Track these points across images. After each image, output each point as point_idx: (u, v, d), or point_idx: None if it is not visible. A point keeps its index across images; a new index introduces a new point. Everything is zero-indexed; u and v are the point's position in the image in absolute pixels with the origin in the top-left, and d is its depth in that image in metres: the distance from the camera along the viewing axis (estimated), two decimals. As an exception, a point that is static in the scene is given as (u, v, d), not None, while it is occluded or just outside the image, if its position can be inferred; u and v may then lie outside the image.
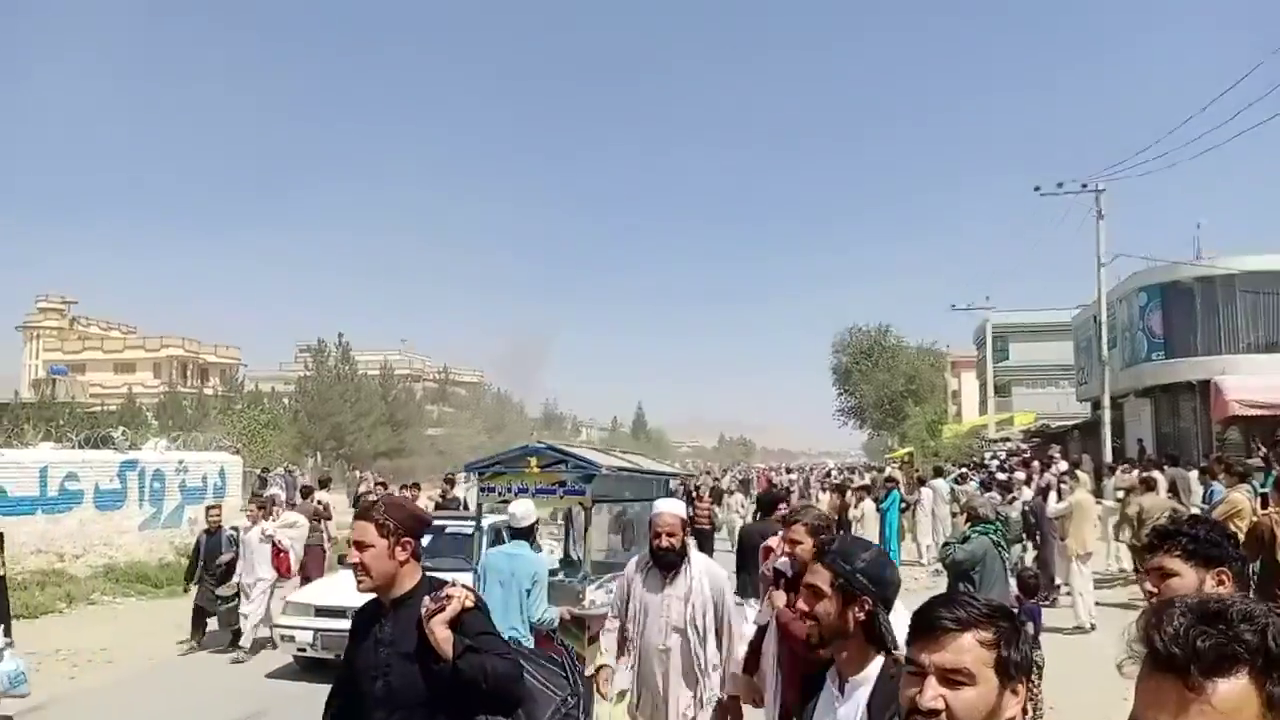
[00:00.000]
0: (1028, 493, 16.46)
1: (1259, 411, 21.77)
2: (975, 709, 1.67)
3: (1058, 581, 13.54)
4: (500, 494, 7.98)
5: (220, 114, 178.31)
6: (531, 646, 5.56)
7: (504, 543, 7.35)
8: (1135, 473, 16.74)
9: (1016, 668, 1.72)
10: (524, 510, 6.96)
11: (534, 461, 8.05)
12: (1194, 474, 15.85)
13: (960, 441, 43.14)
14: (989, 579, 7.30)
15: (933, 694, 1.67)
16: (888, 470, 30.61)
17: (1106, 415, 26.23)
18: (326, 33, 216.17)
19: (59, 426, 32.62)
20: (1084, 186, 25.99)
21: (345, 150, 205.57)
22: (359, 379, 59.22)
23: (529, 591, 6.60)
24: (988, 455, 34.94)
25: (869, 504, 17.29)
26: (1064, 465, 19.83)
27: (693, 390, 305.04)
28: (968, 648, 1.69)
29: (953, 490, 19.57)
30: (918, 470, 31.54)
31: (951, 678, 1.68)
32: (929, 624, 1.75)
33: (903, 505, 19.54)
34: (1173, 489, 15.10)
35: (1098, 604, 12.66)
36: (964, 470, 26.74)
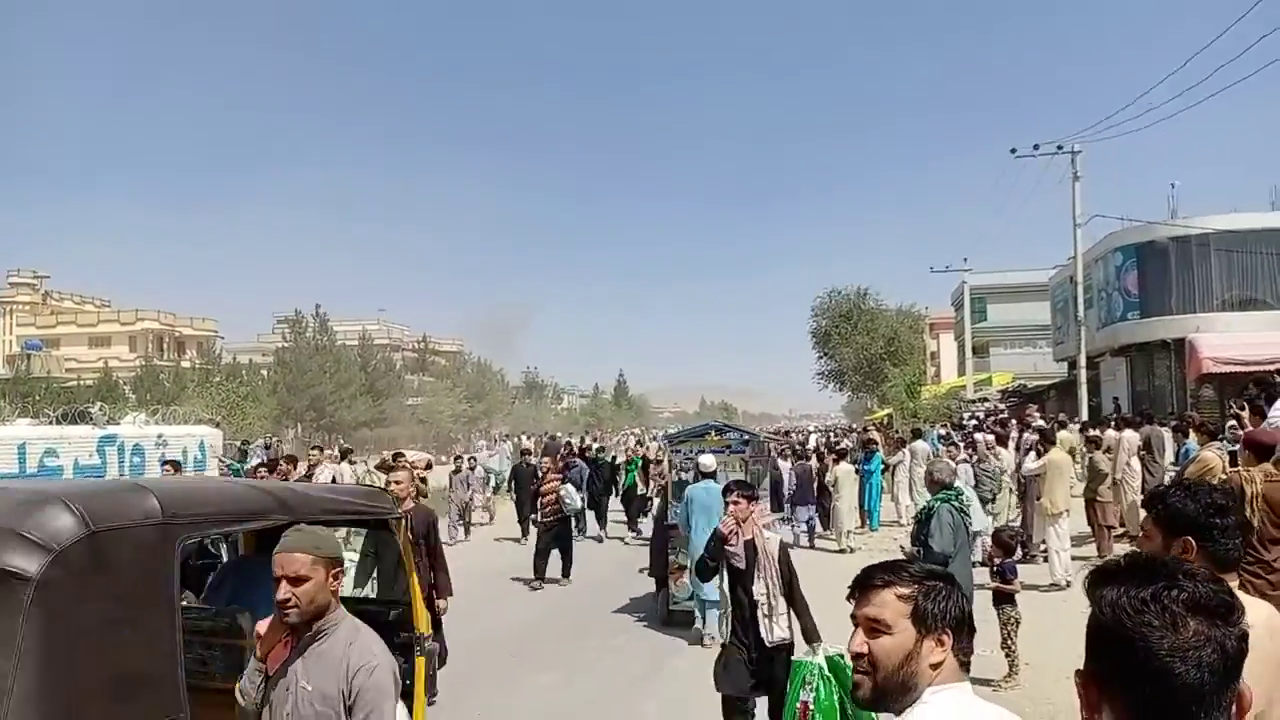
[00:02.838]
0: (1005, 454, 16.54)
1: (1233, 369, 22.01)
2: (890, 654, 1.98)
3: (1035, 539, 13.74)
4: (686, 455, 11.86)
5: (194, 91, 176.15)
6: None
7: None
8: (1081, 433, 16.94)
9: (935, 619, 2.00)
10: (709, 461, 10.58)
11: (713, 433, 12.45)
12: (1168, 431, 16.04)
13: (939, 402, 43.43)
14: (957, 549, 7.35)
15: (858, 640, 2.02)
16: (869, 432, 30.84)
17: (1083, 375, 26.47)
18: (301, 9, 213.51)
19: (35, 402, 32.38)
20: (1060, 148, 26.04)
21: (319, 125, 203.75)
22: (338, 350, 59.01)
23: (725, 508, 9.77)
24: (966, 416, 35.19)
25: (844, 466, 17.41)
26: (1042, 424, 19.96)
27: (674, 356, 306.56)
28: (886, 602, 2.01)
29: (935, 450, 19.74)
30: (897, 432, 31.76)
31: (874, 627, 2.01)
32: (862, 583, 2.09)
33: (883, 466, 19.72)
34: (1147, 447, 15.29)
35: (1074, 559, 12.86)
36: (945, 431, 26.97)
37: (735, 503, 6.21)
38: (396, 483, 7.71)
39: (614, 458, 24.12)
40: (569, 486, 14.17)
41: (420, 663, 5.00)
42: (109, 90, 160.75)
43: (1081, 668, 1.47)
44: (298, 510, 4.37)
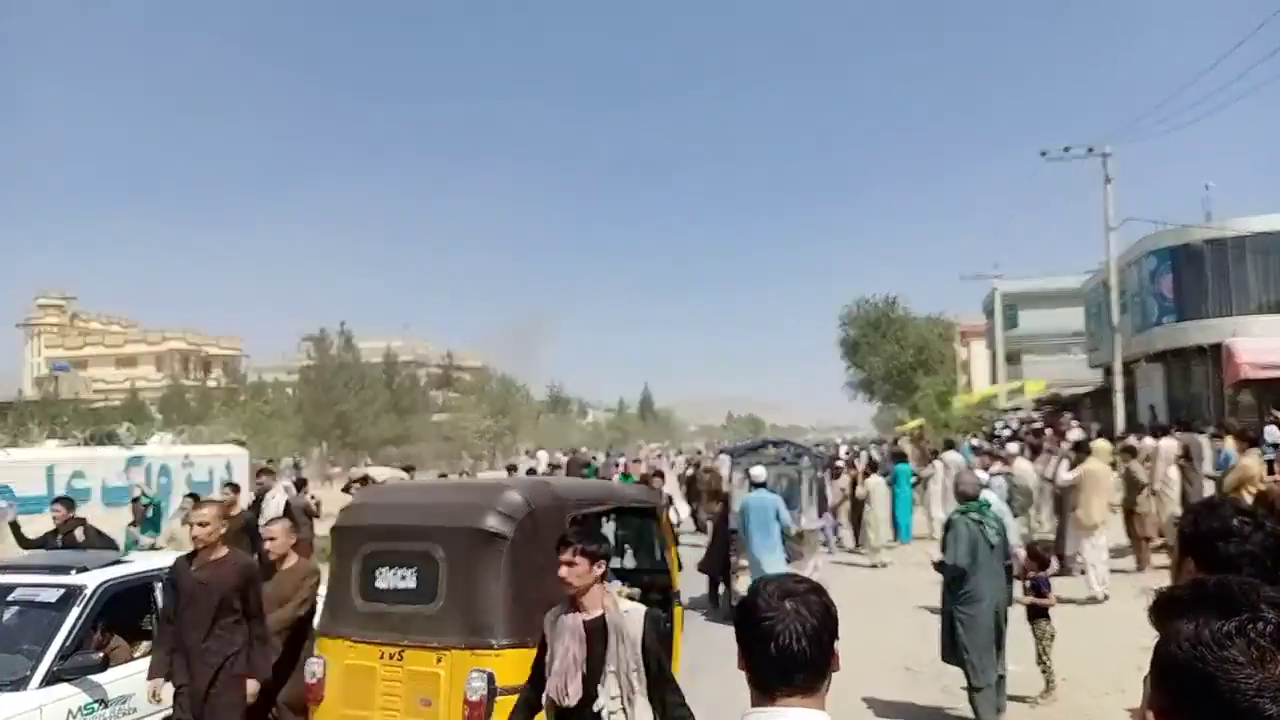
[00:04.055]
0: (1023, 464, 15.92)
1: (1271, 374, 21.52)
2: None
3: (1071, 552, 13.34)
4: (744, 466, 13.23)
5: (218, 110, 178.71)
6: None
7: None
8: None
9: None
10: (760, 472, 12.02)
11: (771, 447, 14.16)
12: (1206, 439, 15.64)
13: (971, 412, 42.93)
14: (978, 563, 7.29)
15: None
16: (898, 444, 30.44)
17: (1118, 381, 25.99)
18: (325, 31, 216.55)
19: (64, 423, 32.61)
20: (1090, 151, 25.63)
21: (344, 145, 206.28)
22: (362, 367, 59.23)
23: (777, 514, 11.41)
24: (999, 425, 34.68)
25: (875, 479, 17.07)
26: (1078, 434, 19.58)
27: (699, 369, 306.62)
28: None
29: (968, 461, 19.32)
30: (929, 442, 31.33)
31: None
32: None
33: (914, 479, 19.33)
34: (1185, 455, 14.87)
35: (1112, 572, 12.53)
36: (976, 442, 26.51)
37: (570, 563, 4.00)
38: (200, 524, 5.86)
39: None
40: None
41: (678, 610, 7.23)
42: (136, 112, 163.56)
43: (1150, 700, 1.37)
44: (618, 500, 7.21)
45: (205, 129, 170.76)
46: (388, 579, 5.60)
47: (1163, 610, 1.42)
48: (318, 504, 15.68)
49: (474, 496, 5.88)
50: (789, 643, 1.90)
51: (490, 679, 5.07)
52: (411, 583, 5.51)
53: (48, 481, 17.44)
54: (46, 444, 21.31)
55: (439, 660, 5.27)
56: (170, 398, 54.02)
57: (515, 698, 4.64)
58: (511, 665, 5.09)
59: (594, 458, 33.19)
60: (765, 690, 1.94)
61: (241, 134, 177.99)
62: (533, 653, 4.54)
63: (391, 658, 5.41)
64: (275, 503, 13.88)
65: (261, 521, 11.34)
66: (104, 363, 74.38)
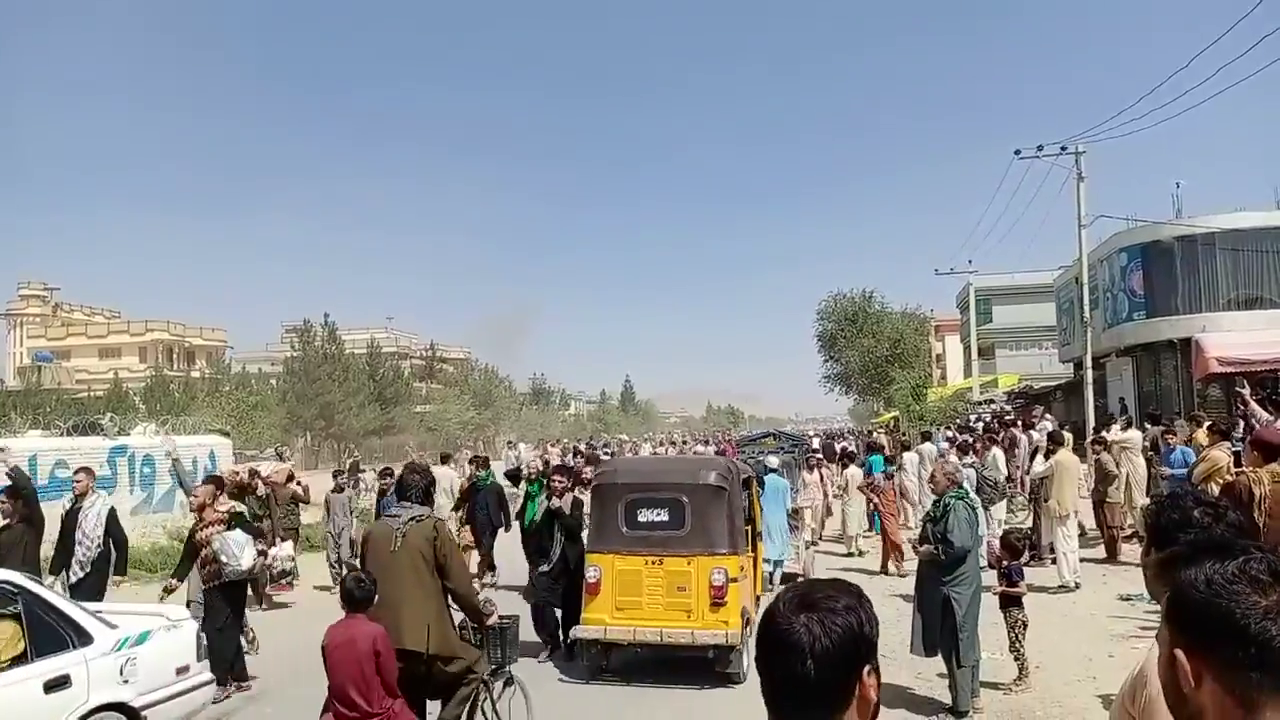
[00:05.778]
0: (953, 459, 16.46)
1: (1239, 368, 21.94)
2: None
3: (1045, 541, 13.69)
4: (750, 454, 17.14)
5: (203, 103, 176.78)
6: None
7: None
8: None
9: None
10: (774, 460, 14.82)
11: (771, 438, 18.85)
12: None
13: (945, 405, 43.29)
14: (972, 546, 7.51)
15: None
16: (874, 435, 30.83)
17: (1089, 375, 26.39)
18: (306, 23, 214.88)
19: (46, 414, 32.45)
20: (1063, 149, 25.95)
21: (328, 135, 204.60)
22: (346, 358, 59.15)
23: (784, 494, 13.87)
24: (973, 418, 35.14)
25: (853, 470, 17.35)
26: (1049, 426, 19.97)
27: (679, 361, 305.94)
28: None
29: (941, 453, 19.69)
30: (904, 435, 31.69)
31: None
32: None
33: (888, 471, 19.66)
34: (1154, 447, 15.29)
35: (1082, 560, 12.86)
36: (952, 433, 26.93)
37: None
38: None
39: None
40: (234, 536, 8.85)
41: (760, 546, 10.93)
42: (118, 101, 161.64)
43: (1173, 642, 1.53)
44: (746, 473, 10.41)
45: (190, 121, 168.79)
46: (647, 515, 8.86)
47: (1169, 567, 1.64)
48: (306, 489, 16.00)
49: (698, 465, 10.17)
50: (793, 661, 1.59)
51: (725, 572, 8.52)
52: (665, 517, 8.81)
53: (30, 471, 17.51)
54: (29, 434, 21.31)
55: (689, 563, 8.60)
56: (154, 388, 53.66)
57: (736, 584, 8.50)
58: (733, 565, 8.61)
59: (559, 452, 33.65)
60: (772, 713, 1.67)
61: (226, 126, 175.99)
62: (739, 559, 8.72)
63: (653, 564, 8.69)
64: (95, 511, 9.68)
65: (79, 534, 9.35)
66: (87, 353, 73.74)
